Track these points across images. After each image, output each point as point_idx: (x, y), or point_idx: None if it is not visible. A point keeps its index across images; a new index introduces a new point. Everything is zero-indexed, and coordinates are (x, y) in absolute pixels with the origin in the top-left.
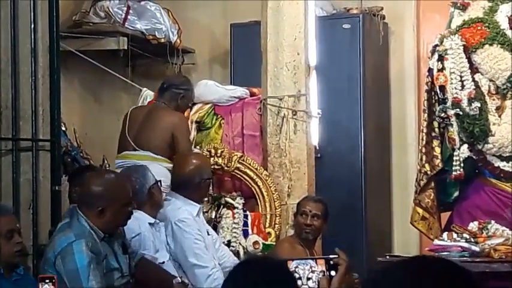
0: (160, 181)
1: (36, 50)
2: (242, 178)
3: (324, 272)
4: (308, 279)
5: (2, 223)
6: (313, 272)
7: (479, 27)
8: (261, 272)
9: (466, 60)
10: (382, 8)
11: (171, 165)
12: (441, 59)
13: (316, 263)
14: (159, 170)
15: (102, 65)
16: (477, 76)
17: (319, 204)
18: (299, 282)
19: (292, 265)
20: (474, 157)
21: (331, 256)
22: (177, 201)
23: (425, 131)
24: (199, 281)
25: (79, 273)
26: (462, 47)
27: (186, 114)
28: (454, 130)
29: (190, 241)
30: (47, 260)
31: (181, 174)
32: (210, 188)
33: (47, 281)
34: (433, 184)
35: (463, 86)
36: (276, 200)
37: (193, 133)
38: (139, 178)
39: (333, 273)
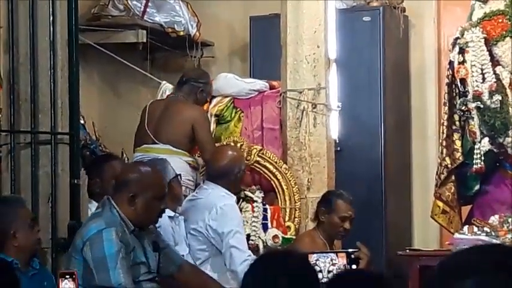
0: (180, 175)
1: (55, 43)
2: (261, 172)
3: (345, 265)
4: (329, 272)
5: (24, 213)
6: (334, 265)
7: (500, 20)
8: (281, 265)
9: (487, 52)
10: (402, 1)
11: (191, 158)
12: (462, 51)
13: (337, 256)
14: (179, 164)
15: (121, 58)
16: (498, 69)
17: (352, 204)
18: (320, 275)
19: (312, 258)
20: (495, 150)
21: (352, 250)
22: (219, 189)
23: (445, 124)
24: (235, 263)
25: (107, 261)
26: (483, 39)
27: (205, 107)
28: (475, 123)
29: (234, 225)
30: (75, 247)
31: (219, 165)
32: None
33: (67, 276)
34: (453, 177)
35: (484, 79)
36: (295, 193)
37: (212, 126)
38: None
39: (354, 267)
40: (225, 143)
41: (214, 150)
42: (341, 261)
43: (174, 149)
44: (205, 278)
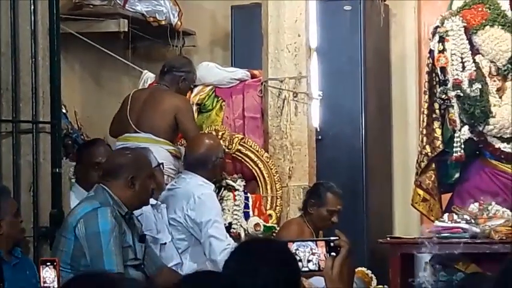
0: (162, 164)
1: (36, 32)
2: (243, 160)
3: (325, 254)
4: (309, 261)
5: (10, 203)
6: (313, 254)
7: (480, 9)
8: (262, 252)
9: (467, 41)
10: None
11: (173, 147)
12: (442, 40)
13: (316, 245)
14: (161, 153)
15: (103, 47)
16: (478, 57)
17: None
18: (300, 265)
19: (292, 247)
20: (475, 138)
21: (332, 238)
22: (196, 179)
23: (426, 112)
24: (215, 252)
25: (100, 236)
26: (463, 28)
27: (187, 95)
28: (454, 111)
29: (212, 214)
30: (66, 226)
31: (196, 154)
32: None
33: (48, 264)
34: (433, 166)
35: (463, 68)
36: (277, 182)
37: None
38: None
39: (333, 254)
40: (206, 132)
41: (191, 139)
42: (320, 250)
43: (156, 137)
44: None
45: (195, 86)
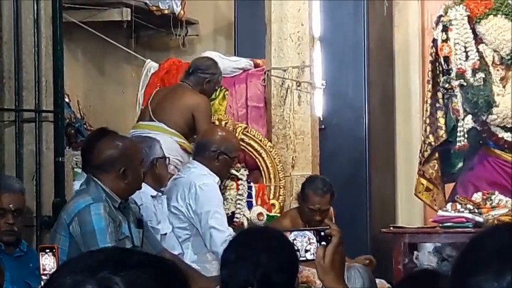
0: (168, 158)
1: (39, 21)
2: (246, 149)
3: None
4: (306, 251)
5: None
6: (311, 244)
7: None
8: (262, 240)
9: (471, 30)
10: None
11: (183, 140)
12: (445, 29)
13: (314, 235)
14: (169, 144)
15: (106, 37)
16: (481, 47)
17: (327, 196)
18: (297, 254)
19: (290, 237)
20: (478, 128)
21: (322, 227)
22: (201, 169)
23: (429, 102)
24: (216, 244)
25: (96, 234)
26: (466, 17)
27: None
28: (458, 101)
29: (212, 205)
30: (61, 223)
31: (199, 138)
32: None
33: (47, 251)
34: (437, 155)
35: (467, 57)
36: (280, 171)
37: None
38: (145, 148)
39: (324, 244)
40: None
41: (206, 129)
42: (316, 239)
43: (168, 128)
44: (184, 267)
45: (220, 87)
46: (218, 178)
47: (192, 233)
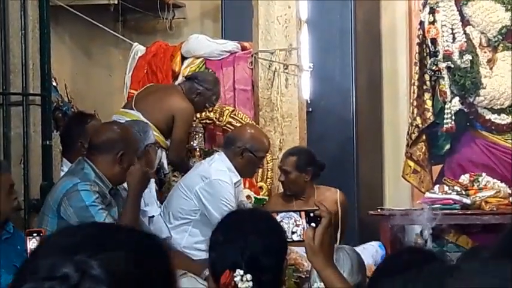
0: (158, 143)
1: (26, 3)
2: None
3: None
4: (293, 233)
5: (6, 179)
6: (297, 225)
7: None
8: (250, 222)
9: (458, 12)
10: None
11: (158, 134)
12: (432, 11)
13: (300, 216)
14: None
15: (93, 20)
16: (468, 29)
17: (290, 157)
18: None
19: (277, 219)
20: (465, 110)
21: (311, 208)
22: (225, 163)
23: (416, 84)
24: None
25: (88, 209)
26: None
27: (177, 69)
28: (445, 83)
29: (223, 202)
30: (48, 206)
31: (231, 132)
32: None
33: (35, 234)
34: (424, 137)
35: (454, 39)
36: (267, 154)
37: None
38: (140, 132)
39: (313, 225)
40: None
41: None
42: (304, 221)
43: (143, 118)
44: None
45: (185, 58)
46: (239, 177)
47: (193, 218)
